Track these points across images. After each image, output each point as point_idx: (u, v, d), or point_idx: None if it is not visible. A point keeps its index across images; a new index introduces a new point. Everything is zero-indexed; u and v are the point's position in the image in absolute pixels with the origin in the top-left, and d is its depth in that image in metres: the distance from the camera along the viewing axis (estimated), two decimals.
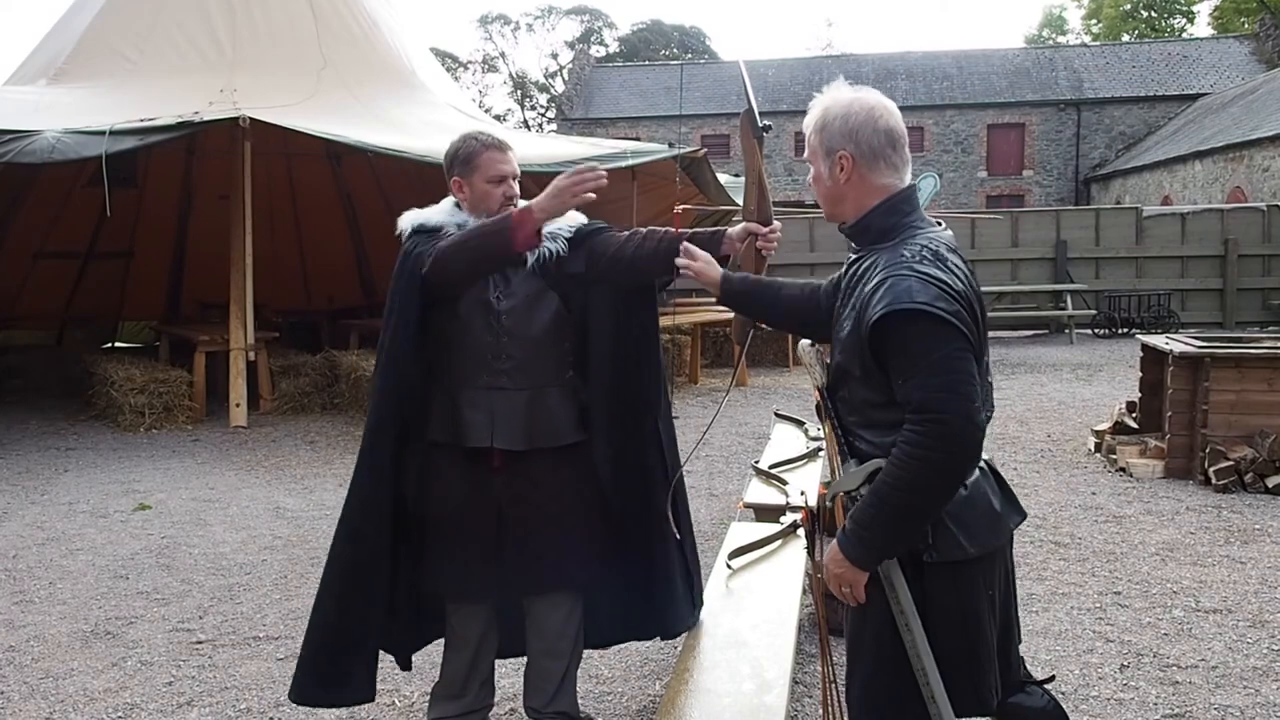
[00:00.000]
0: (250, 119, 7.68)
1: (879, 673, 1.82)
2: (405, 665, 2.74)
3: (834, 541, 1.82)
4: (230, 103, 8.23)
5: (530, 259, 2.44)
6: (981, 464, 1.86)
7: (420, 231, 2.51)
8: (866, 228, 1.87)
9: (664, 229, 2.49)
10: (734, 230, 2.38)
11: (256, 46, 9.39)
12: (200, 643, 3.64)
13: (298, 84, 9.00)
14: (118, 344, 12.26)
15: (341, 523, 2.59)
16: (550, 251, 2.46)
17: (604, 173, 2.32)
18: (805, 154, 1.94)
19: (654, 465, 2.61)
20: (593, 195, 2.32)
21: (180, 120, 7.69)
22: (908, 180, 1.89)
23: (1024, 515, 1.93)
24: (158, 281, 12.09)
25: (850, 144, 1.83)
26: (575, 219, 2.54)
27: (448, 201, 2.56)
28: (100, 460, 6.95)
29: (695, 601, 2.68)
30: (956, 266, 1.77)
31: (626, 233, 2.51)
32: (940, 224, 1.89)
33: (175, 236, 11.97)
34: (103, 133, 7.21)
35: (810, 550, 2.90)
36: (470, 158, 2.48)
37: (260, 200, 8.81)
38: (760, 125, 2.26)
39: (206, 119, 7.78)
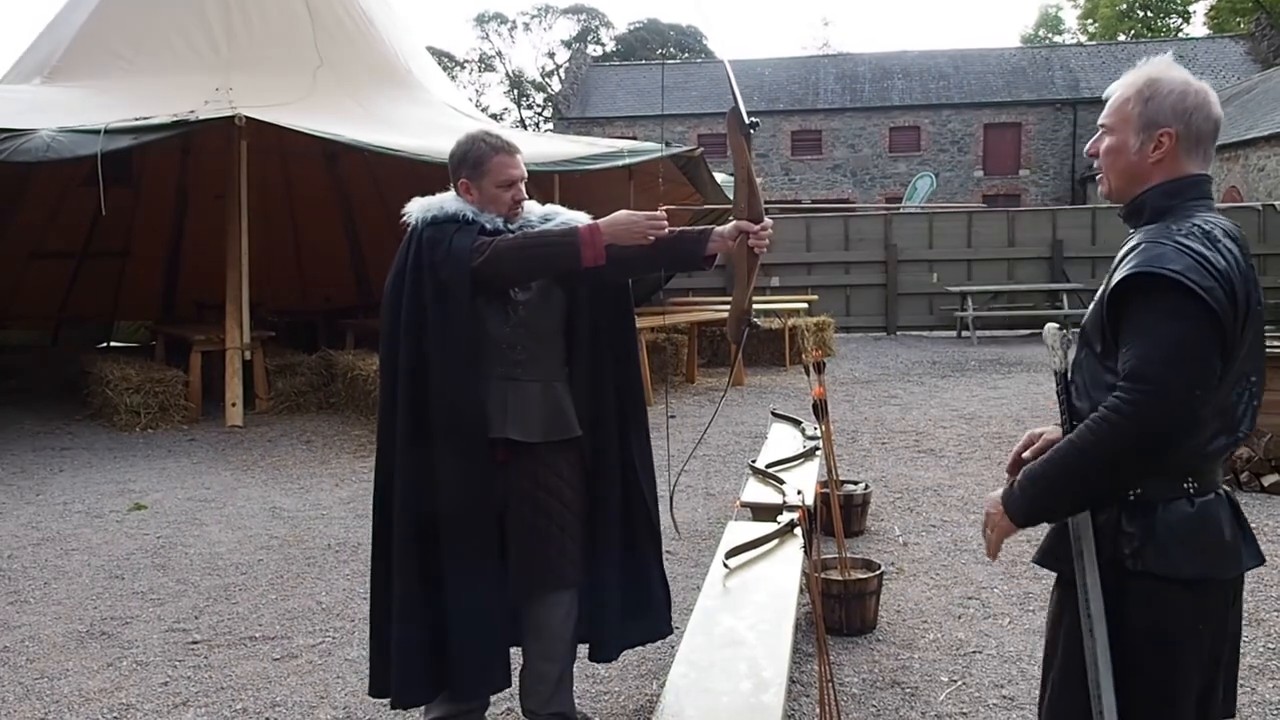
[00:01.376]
0: (246, 118, 7.66)
1: (1066, 678, 1.72)
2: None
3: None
4: (226, 102, 8.20)
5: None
6: (1221, 491, 1.70)
7: (437, 222, 2.46)
8: (1141, 206, 1.73)
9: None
10: (724, 229, 2.39)
11: (252, 45, 9.37)
12: (196, 643, 3.63)
13: (293, 83, 8.98)
14: (113, 343, 12.23)
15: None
16: None
17: (666, 220, 2.36)
18: (1105, 119, 1.75)
19: (634, 468, 2.62)
20: (651, 239, 2.34)
21: (176, 119, 7.67)
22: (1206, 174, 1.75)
23: (1261, 560, 1.74)
24: (153, 281, 12.07)
25: (1180, 123, 1.68)
26: (580, 219, 2.54)
27: (451, 193, 2.53)
28: (95, 460, 6.93)
29: (668, 607, 2.71)
30: (1229, 250, 1.61)
31: None
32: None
33: (171, 236, 11.95)
34: (98, 131, 7.18)
35: (808, 549, 2.90)
36: (480, 161, 2.46)
37: (256, 199, 8.80)
38: (747, 122, 2.26)
39: (202, 118, 7.75)
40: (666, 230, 2.35)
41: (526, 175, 2.53)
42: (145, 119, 7.62)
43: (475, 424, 2.41)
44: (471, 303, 2.38)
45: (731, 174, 13.26)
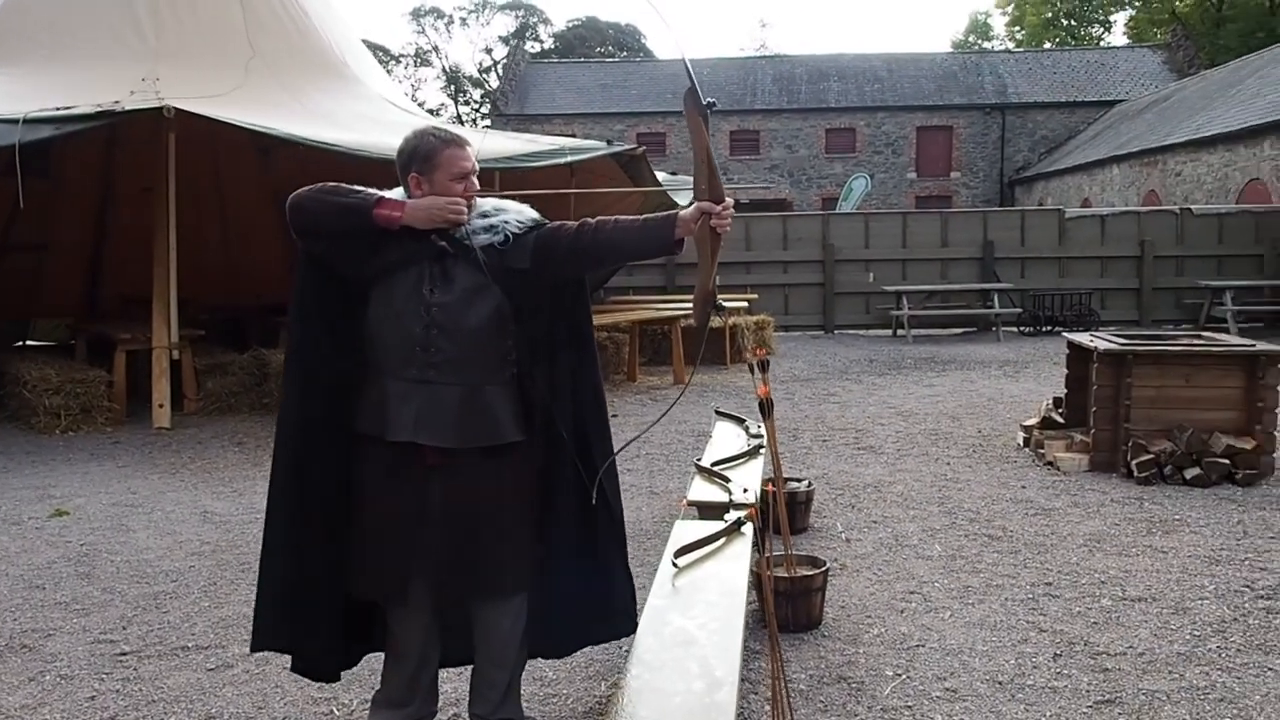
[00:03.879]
0: (175, 109, 7.42)
1: None
2: (334, 678, 2.67)
3: None
4: (153, 92, 7.93)
5: (480, 256, 2.41)
6: None
7: None
8: None
9: (613, 217, 2.47)
10: (686, 212, 2.36)
11: (181, 35, 9.06)
12: (124, 654, 3.50)
13: (224, 74, 8.71)
14: (30, 342, 11.74)
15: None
16: (492, 245, 2.43)
17: (465, 211, 2.40)
18: None
19: (594, 468, 2.58)
20: (450, 220, 2.42)
21: (100, 109, 7.39)
22: None
23: None
24: (74, 276, 11.59)
25: None
26: (526, 213, 2.50)
27: (398, 191, 2.48)
28: (13, 464, 6.63)
29: (633, 604, 2.68)
30: None
31: (575, 224, 2.47)
32: None
33: (94, 229, 11.51)
34: (16, 121, 6.89)
35: (760, 546, 2.91)
36: (431, 155, 2.42)
37: (185, 193, 8.52)
38: (705, 102, 2.24)
39: (128, 108, 7.49)
40: (466, 218, 2.41)
41: (478, 168, 2.49)
42: (67, 109, 7.32)
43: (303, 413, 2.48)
44: (314, 289, 2.49)
45: (671, 173, 13.23)
